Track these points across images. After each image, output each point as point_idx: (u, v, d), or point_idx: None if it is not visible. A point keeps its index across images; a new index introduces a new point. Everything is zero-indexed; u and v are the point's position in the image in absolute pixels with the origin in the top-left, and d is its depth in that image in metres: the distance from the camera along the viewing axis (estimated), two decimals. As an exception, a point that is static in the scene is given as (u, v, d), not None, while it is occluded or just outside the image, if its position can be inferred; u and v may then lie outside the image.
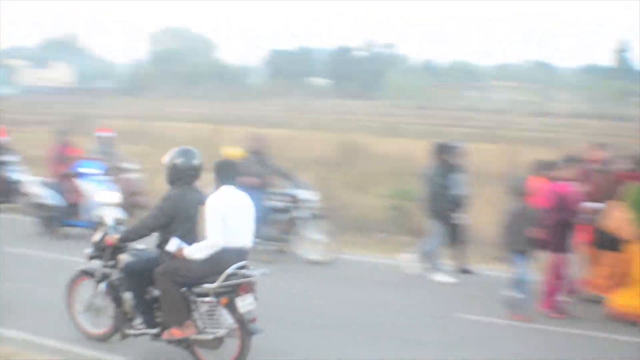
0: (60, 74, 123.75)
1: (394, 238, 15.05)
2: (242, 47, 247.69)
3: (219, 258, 7.56)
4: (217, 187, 7.89)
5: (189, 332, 7.71)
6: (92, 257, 8.50)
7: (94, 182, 14.80)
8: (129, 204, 15.32)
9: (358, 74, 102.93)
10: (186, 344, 7.85)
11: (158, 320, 7.98)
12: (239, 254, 7.71)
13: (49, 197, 15.15)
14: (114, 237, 8.17)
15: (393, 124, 42.22)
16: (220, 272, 7.53)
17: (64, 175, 15.25)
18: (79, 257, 12.90)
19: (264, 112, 56.98)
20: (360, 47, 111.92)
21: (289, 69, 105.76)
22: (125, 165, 16.12)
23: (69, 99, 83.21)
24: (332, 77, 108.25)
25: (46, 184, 15.40)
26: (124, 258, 8.17)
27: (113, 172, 15.37)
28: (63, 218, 15.14)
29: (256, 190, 13.09)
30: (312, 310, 10.10)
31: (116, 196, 14.68)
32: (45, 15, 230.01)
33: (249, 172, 13.03)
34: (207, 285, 7.58)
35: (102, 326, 8.55)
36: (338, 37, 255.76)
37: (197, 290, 7.66)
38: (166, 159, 7.97)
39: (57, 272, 11.83)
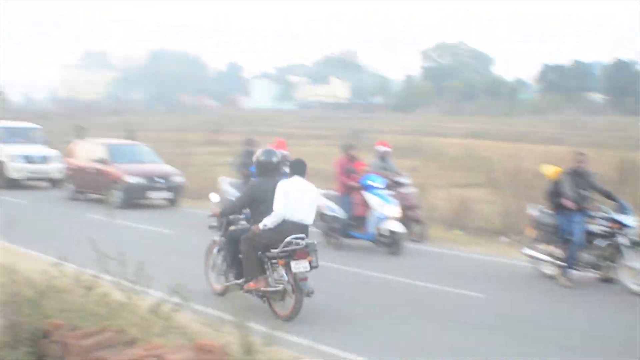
0: (336, 90, 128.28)
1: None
2: (516, 62, 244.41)
3: (283, 229, 9.78)
4: (290, 176, 10.13)
5: (259, 285, 9.93)
6: (211, 227, 11.17)
7: (379, 196, 15.13)
8: (407, 218, 15.67)
9: (637, 88, 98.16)
10: (259, 295, 10.02)
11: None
12: (298, 227, 9.87)
13: (332, 208, 15.63)
14: (216, 210, 10.86)
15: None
16: (283, 240, 9.71)
17: (351, 188, 15.58)
18: (366, 269, 13.32)
19: (537, 128, 55.90)
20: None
21: (563, 83, 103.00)
22: (400, 179, 16.40)
23: (343, 114, 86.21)
24: (609, 92, 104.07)
25: (329, 196, 15.84)
26: (231, 229, 10.60)
27: (391, 186, 15.69)
28: (346, 230, 15.56)
29: (574, 213, 12.49)
30: (612, 341, 9.65)
31: (398, 210, 15.11)
32: (323, 33, 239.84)
33: (564, 193, 12.54)
34: (273, 250, 9.81)
35: (220, 283, 10.86)
36: (615, 50, 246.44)
37: (268, 254, 9.90)
38: (254, 157, 10.43)
39: (339, 281, 12.36)
